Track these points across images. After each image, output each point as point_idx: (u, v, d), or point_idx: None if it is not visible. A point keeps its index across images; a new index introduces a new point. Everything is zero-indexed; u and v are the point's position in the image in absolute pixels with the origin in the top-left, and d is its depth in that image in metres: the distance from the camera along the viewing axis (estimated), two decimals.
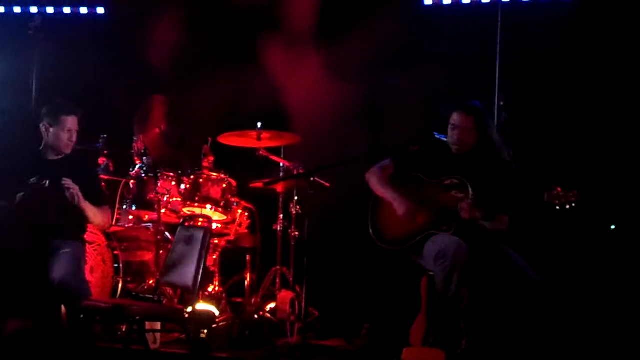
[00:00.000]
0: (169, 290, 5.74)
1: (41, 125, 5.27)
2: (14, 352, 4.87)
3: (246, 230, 6.15)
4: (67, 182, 5.00)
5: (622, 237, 5.89)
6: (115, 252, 5.87)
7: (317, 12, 6.59)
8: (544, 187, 4.56)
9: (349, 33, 6.49)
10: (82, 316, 4.70)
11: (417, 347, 4.69)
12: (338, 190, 6.13)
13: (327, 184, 5.97)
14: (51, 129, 5.23)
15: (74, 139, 5.28)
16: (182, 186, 5.94)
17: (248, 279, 5.99)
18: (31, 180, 5.09)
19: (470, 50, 6.39)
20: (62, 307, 4.80)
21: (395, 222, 4.90)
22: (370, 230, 4.99)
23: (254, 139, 6.05)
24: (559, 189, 4.51)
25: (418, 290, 4.79)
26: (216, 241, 5.99)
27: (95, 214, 5.15)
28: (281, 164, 6.14)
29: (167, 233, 5.96)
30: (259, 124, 5.99)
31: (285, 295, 5.76)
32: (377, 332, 5.84)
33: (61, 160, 5.28)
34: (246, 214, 6.13)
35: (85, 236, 5.28)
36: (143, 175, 5.92)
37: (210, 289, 5.88)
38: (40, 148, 5.31)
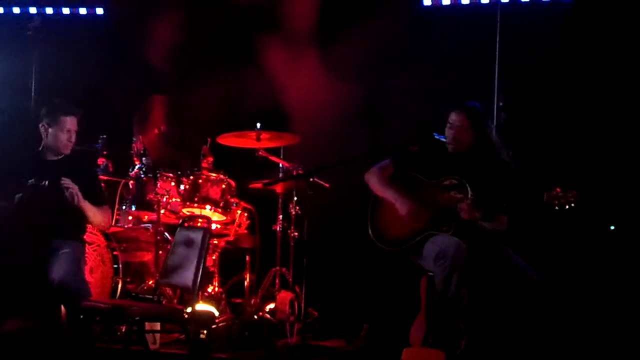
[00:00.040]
0: (169, 291, 5.73)
1: (40, 125, 5.26)
2: (13, 352, 4.87)
3: (245, 231, 6.15)
4: (66, 181, 5.00)
5: (621, 238, 5.89)
6: (115, 253, 5.87)
7: (317, 12, 6.57)
8: (543, 187, 4.56)
9: (348, 33, 6.47)
10: (81, 316, 4.69)
11: (416, 348, 4.70)
12: (337, 190, 6.13)
13: (327, 185, 5.97)
14: (50, 130, 5.22)
15: (73, 139, 5.27)
16: (182, 187, 5.94)
17: (247, 280, 5.99)
18: (30, 180, 5.08)
19: (470, 50, 6.39)
20: (62, 307, 4.80)
21: (394, 222, 4.89)
22: (370, 231, 4.98)
23: (254, 140, 6.05)
24: (558, 190, 4.51)
25: (417, 291, 4.80)
26: (215, 242, 5.99)
27: (95, 214, 5.14)
28: (280, 165, 6.14)
29: (166, 233, 5.96)
30: (259, 125, 5.99)
31: (285, 295, 5.75)
32: (377, 333, 5.84)
33: (60, 161, 5.27)
34: (245, 214, 6.13)
35: (85, 236, 5.28)
36: (142, 175, 5.91)
37: (209, 290, 5.87)
38: (40, 148, 5.30)
